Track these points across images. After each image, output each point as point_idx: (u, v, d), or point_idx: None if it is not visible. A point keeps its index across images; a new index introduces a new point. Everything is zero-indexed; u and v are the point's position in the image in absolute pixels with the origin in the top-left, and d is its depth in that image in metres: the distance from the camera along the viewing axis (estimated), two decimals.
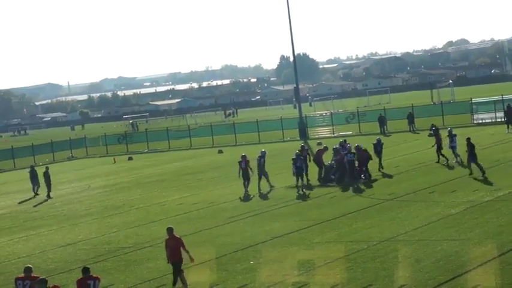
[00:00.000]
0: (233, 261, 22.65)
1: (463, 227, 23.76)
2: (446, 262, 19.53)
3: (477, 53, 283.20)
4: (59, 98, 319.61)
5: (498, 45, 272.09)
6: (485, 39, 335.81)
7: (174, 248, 19.57)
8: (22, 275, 16.64)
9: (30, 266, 16.95)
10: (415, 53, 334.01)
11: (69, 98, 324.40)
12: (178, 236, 20.03)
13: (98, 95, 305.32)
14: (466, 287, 17.33)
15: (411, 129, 64.52)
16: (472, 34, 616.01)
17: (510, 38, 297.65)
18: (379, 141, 40.76)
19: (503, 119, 57.92)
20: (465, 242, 21.46)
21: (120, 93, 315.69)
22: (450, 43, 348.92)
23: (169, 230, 19.95)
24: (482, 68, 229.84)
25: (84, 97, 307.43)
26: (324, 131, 74.95)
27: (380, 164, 39.20)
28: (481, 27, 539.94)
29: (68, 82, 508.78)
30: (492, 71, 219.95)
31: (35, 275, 16.53)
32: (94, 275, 16.58)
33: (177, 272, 19.65)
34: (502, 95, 68.74)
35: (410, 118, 65.53)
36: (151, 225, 30.66)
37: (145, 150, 76.88)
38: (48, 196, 44.09)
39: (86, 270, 16.53)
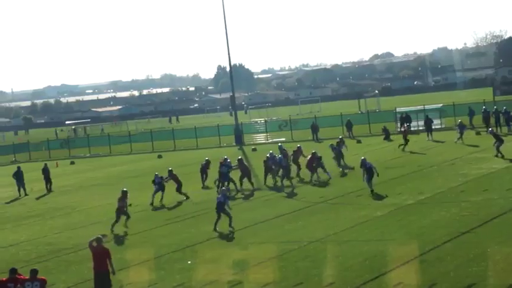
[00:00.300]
0: (171, 261, 22.51)
1: (388, 228, 24.08)
2: (372, 261, 19.74)
3: (401, 65, 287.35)
4: (2, 104, 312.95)
5: (420, 59, 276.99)
6: (409, 53, 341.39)
7: (102, 258, 18.45)
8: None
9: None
10: (343, 65, 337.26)
11: (13, 104, 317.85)
12: (106, 247, 18.91)
13: (41, 101, 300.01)
14: (390, 285, 17.54)
15: (350, 135, 65.10)
16: (397, 48, 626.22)
17: (431, 52, 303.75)
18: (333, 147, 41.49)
19: (423, 128, 58.94)
20: (389, 243, 21.74)
21: (63, 100, 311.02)
22: (376, 56, 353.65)
23: (99, 240, 18.69)
24: (406, 80, 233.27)
25: (28, 103, 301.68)
26: (258, 138, 75.21)
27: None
28: (404, 42, 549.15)
29: (12, 89, 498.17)
30: (415, 83, 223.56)
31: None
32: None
33: (107, 285, 18.51)
34: (423, 105, 69.98)
35: (349, 125, 66.20)
36: (93, 226, 30.24)
37: (87, 155, 75.91)
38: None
39: (12, 271, 16.29)
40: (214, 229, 26.65)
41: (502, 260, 18.39)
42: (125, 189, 30.52)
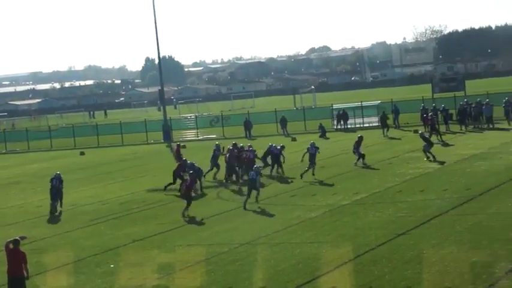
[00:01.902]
0: (92, 264, 22.26)
1: (322, 230, 24.31)
2: (305, 264, 19.91)
3: (338, 60, 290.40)
4: None
5: (358, 53, 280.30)
6: (347, 47, 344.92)
7: (18, 262, 18.03)
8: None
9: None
10: (279, 59, 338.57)
11: None
12: (23, 251, 18.37)
13: None
14: None
15: (284, 133, 65.47)
16: (334, 42, 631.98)
17: (370, 46, 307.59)
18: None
19: (377, 124, 59.93)
20: (323, 245, 21.96)
21: None
22: (313, 50, 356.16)
23: (16, 243, 18.17)
24: (343, 75, 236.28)
25: None
26: (188, 134, 75.03)
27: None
28: (342, 35, 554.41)
29: None
30: (352, 78, 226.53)
31: None
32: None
33: None
34: (361, 102, 70.92)
35: (283, 122, 66.60)
36: (9, 227, 29.64)
37: (3, 151, 74.48)
38: None
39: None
40: (244, 208, 29.13)
41: (437, 262, 18.77)
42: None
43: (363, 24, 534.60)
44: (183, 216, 28.70)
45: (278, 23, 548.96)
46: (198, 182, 34.73)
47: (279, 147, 38.69)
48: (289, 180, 36.02)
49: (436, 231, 22.33)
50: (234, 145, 39.20)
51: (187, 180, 30.92)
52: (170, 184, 35.82)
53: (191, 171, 32.68)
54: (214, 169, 39.12)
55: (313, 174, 35.92)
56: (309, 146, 37.38)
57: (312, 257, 20.58)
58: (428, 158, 38.60)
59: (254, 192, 29.97)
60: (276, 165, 38.39)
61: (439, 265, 18.60)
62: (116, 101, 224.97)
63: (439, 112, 56.50)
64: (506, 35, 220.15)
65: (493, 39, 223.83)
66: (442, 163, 37.25)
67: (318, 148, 37.62)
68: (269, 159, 39.48)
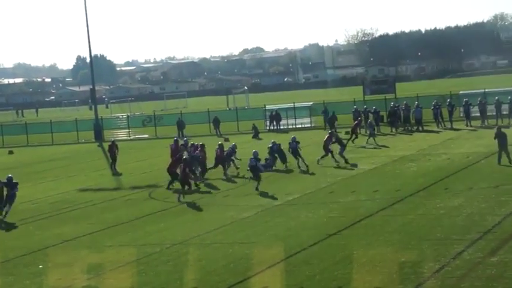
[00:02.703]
0: (20, 265, 21.87)
1: (254, 230, 24.37)
2: (237, 265, 19.93)
3: (271, 61, 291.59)
4: None
5: (291, 55, 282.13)
6: (280, 48, 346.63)
7: None
8: None
9: None
10: (212, 59, 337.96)
11: None
12: None
13: None
14: None
15: (217, 133, 65.43)
16: (267, 43, 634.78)
17: (302, 48, 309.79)
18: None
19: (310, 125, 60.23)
20: (255, 245, 22.01)
21: None
22: (246, 50, 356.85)
23: None
24: (276, 76, 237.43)
25: None
26: (120, 134, 74.38)
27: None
28: (275, 37, 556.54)
29: None
30: (285, 79, 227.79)
31: None
32: None
33: None
34: (293, 103, 71.40)
35: (216, 122, 66.55)
36: None
37: None
38: None
39: None
40: (256, 188, 31.55)
41: (367, 263, 19.00)
42: None
43: (295, 25, 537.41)
44: (179, 201, 30.52)
45: (211, 24, 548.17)
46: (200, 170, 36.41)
47: (294, 143, 38.64)
48: (232, 180, 35.99)
49: (367, 232, 22.61)
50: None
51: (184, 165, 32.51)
52: (172, 182, 34.68)
53: (185, 157, 33.75)
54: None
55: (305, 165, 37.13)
56: (290, 141, 38.56)
57: (244, 257, 20.62)
58: (346, 161, 38.49)
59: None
60: (299, 159, 38.07)
61: (369, 265, 18.83)
62: (46, 99, 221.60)
63: (370, 114, 57.16)
64: (435, 39, 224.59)
65: (423, 43, 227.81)
66: (354, 165, 37.54)
67: (298, 143, 38.42)
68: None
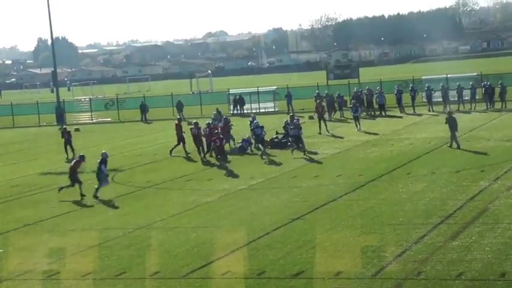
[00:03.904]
0: None
1: (217, 214, 24.35)
2: (200, 249, 19.90)
3: (235, 45, 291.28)
4: None
5: (255, 39, 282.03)
6: (243, 32, 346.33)
7: None
8: None
9: None
10: (175, 42, 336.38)
11: None
12: None
13: None
14: (218, 273, 17.75)
15: (181, 117, 65.08)
16: (231, 27, 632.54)
17: (266, 32, 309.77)
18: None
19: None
20: (218, 230, 22.01)
21: None
22: (210, 34, 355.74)
23: None
24: (240, 60, 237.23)
25: None
26: (82, 117, 73.86)
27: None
28: (239, 21, 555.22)
29: None
30: (249, 63, 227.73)
31: None
32: None
33: None
34: (257, 87, 71.40)
35: (180, 106, 66.22)
36: None
37: None
38: None
39: None
40: (262, 157, 35.61)
41: (330, 247, 19.09)
42: None
43: (259, 10, 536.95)
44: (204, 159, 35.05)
45: (175, 7, 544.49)
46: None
47: (259, 129, 38.10)
48: (196, 162, 35.94)
49: (330, 216, 22.71)
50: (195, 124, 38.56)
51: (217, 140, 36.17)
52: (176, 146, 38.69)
53: (221, 136, 37.10)
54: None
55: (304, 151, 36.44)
56: (253, 127, 38.59)
57: (207, 242, 20.60)
58: (293, 148, 37.23)
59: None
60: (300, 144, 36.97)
61: (331, 249, 18.92)
62: (7, 81, 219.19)
63: (335, 98, 57.11)
64: (398, 24, 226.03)
65: (386, 28, 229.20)
66: (314, 153, 37.11)
67: (262, 127, 38.26)
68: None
